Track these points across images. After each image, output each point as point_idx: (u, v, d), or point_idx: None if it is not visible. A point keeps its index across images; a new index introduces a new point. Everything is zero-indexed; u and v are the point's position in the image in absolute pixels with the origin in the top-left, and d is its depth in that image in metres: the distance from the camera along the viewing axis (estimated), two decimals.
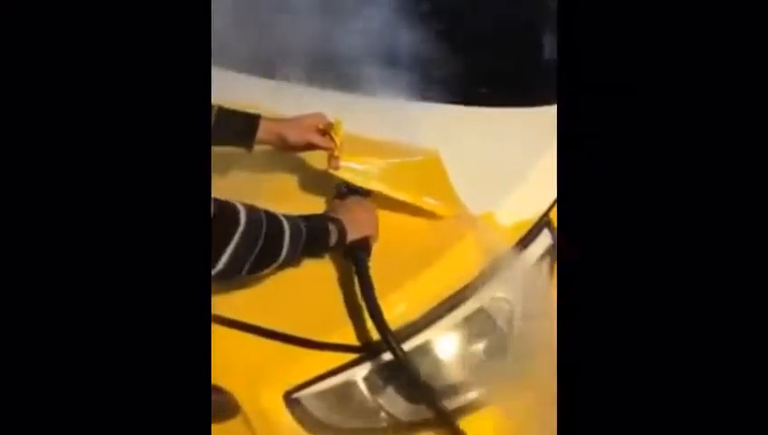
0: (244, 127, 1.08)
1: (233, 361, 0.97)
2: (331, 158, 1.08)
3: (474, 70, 1.42)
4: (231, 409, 1.00)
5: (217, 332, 0.94)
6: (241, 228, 0.87)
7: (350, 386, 0.99)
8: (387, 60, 1.32)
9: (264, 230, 0.90)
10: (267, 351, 1.00)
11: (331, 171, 1.09)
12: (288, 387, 0.99)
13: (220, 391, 1.00)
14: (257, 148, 1.14)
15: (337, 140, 1.08)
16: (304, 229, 0.97)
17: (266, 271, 0.94)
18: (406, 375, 0.98)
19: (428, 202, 1.17)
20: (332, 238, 1.00)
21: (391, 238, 1.12)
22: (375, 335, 0.97)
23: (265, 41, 1.39)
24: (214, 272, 0.88)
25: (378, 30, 1.35)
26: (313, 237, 0.98)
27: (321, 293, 1.04)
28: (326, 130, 1.09)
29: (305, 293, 1.03)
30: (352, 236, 1.03)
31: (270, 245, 0.91)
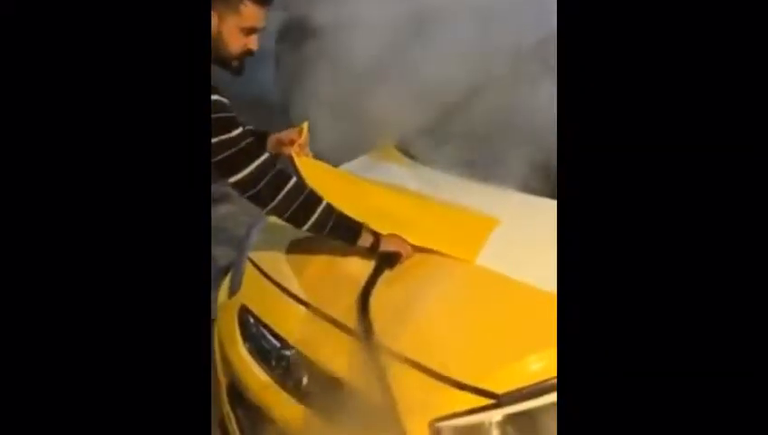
0: (259, 140, 1.49)
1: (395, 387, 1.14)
2: (297, 146, 1.48)
3: None
4: None
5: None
6: (289, 185, 1.30)
7: (483, 427, 1.08)
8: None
9: (304, 194, 1.32)
10: (423, 382, 1.13)
11: (295, 157, 1.47)
12: (434, 416, 1.10)
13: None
14: None
15: (303, 134, 1.50)
16: (334, 214, 1.34)
17: (303, 227, 1.33)
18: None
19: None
20: (366, 239, 1.36)
21: (536, 309, 1.24)
22: (515, 385, 1.09)
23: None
24: (265, 210, 1.32)
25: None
26: (341, 223, 1.35)
27: (479, 338, 1.19)
28: (300, 131, 1.53)
29: (466, 336, 1.19)
30: (385, 247, 1.35)
31: (305, 206, 1.32)
